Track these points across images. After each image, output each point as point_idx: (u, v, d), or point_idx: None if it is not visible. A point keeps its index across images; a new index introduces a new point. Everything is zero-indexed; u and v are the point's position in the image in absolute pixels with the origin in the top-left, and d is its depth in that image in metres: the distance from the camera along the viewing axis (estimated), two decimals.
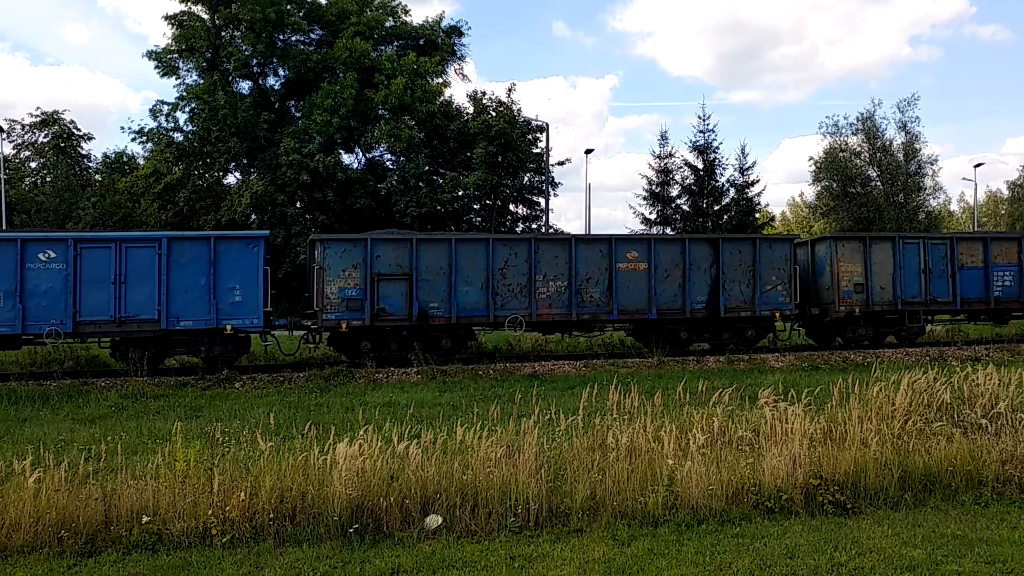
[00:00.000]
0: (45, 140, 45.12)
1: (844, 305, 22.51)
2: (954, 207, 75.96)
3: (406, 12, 45.81)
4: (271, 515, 7.13)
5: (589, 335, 22.85)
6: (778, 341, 23.50)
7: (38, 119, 44.81)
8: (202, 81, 41.63)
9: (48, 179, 44.86)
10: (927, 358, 20.12)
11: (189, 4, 41.15)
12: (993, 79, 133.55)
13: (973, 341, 24.56)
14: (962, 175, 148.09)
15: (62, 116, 45.01)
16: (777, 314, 21.87)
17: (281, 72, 43.18)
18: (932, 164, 49.88)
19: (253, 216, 39.07)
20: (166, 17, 41.27)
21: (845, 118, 56.25)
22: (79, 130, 45.70)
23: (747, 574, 6.33)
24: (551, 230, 40.59)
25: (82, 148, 46.18)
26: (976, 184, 62.57)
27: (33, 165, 46.05)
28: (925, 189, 49.97)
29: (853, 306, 22.57)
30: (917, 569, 6.36)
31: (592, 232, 39.81)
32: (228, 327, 18.70)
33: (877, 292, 22.76)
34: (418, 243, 20.08)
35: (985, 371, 10.80)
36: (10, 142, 44.35)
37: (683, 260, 21.35)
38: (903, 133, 49.50)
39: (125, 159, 46.30)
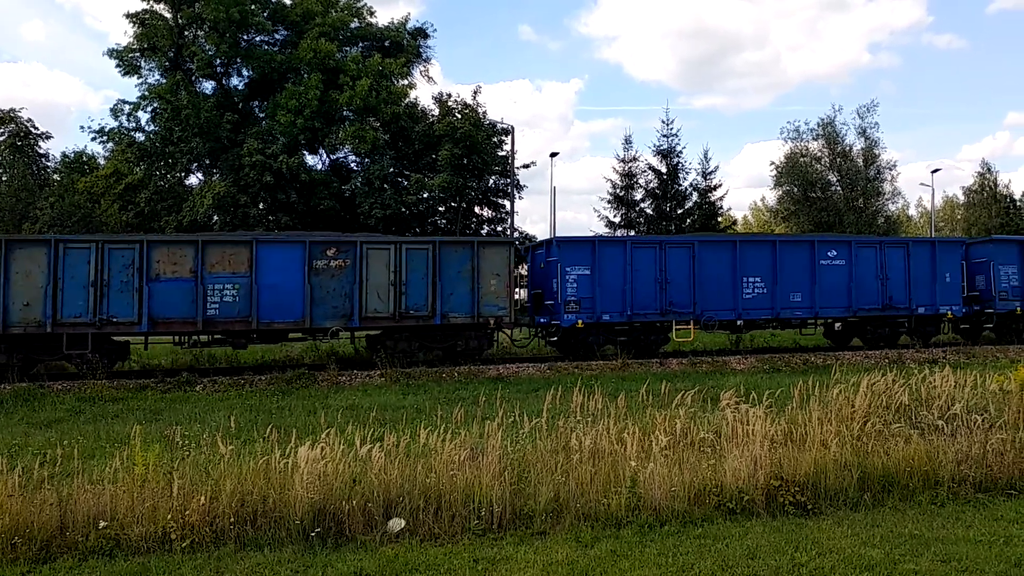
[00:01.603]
0: (1, 139, 44.14)
1: None
2: (912, 212, 77.45)
3: (371, 13, 45.65)
4: (232, 519, 7.04)
5: None
6: None
7: None
8: (164, 80, 41.01)
9: (4, 178, 43.90)
10: (886, 360, 20.43)
11: (151, 3, 40.60)
12: (950, 87, 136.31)
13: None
14: (920, 180, 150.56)
15: (19, 114, 44.05)
16: None
17: (245, 72, 42.75)
18: (891, 169, 51.10)
19: (215, 217, 38.59)
20: (127, 15, 40.66)
21: (806, 123, 57.38)
22: (37, 128, 44.75)
23: (709, 575, 6.37)
24: (520, 232, 40.67)
25: (40, 147, 45.25)
26: (933, 190, 63.37)
27: None
28: (884, 194, 51.13)
29: None
30: (875, 568, 6.44)
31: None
32: None
33: (17, 312, 17.81)
34: None
35: (942, 373, 10.99)
36: None
37: None
38: (863, 139, 50.60)
39: (85, 159, 45.43)
